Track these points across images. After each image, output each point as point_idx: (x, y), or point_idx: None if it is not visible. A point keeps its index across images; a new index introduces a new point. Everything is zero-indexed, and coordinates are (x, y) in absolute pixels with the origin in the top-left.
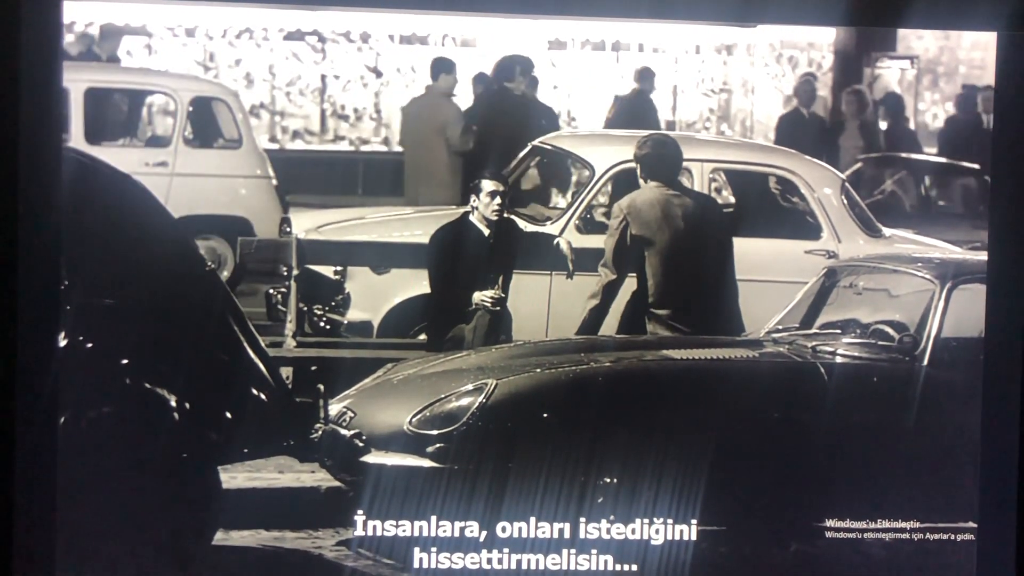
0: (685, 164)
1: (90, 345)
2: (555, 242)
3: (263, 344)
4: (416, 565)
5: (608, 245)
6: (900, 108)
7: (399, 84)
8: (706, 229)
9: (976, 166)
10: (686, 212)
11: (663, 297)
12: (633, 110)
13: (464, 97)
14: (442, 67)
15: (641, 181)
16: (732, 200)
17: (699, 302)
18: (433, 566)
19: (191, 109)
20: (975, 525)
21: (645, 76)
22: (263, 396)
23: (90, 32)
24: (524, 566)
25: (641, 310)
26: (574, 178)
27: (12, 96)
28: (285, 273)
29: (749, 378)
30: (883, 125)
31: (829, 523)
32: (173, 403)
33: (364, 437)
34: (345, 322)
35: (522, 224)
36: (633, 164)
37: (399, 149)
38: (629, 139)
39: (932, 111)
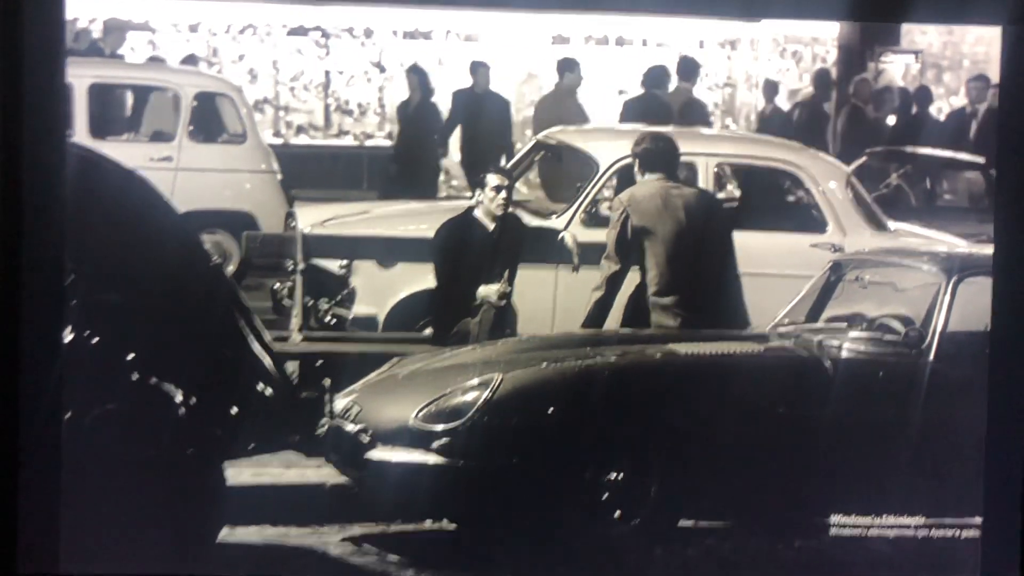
0: (690, 158)
1: (95, 340)
2: (560, 236)
3: (269, 339)
4: (421, 560)
5: (610, 237)
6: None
7: (402, 79)
8: (705, 219)
9: (982, 160)
10: (686, 203)
11: (665, 286)
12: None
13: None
14: (567, 66)
15: (639, 176)
16: (737, 194)
17: (700, 290)
18: (438, 561)
19: (195, 104)
20: (980, 520)
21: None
22: (269, 391)
23: (93, 27)
24: (528, 561)
25: (644, 300)
26: (578, 173)
27: (16, 92)
28: (290, 268)
29: (755, 372)
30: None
31: (834, 518)
32: (178, 398)
33: (370, 432)
34: (351, 317)
35: (527, 218)
36: (631, 160)
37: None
38: (633, 134)
39: (936, 105)
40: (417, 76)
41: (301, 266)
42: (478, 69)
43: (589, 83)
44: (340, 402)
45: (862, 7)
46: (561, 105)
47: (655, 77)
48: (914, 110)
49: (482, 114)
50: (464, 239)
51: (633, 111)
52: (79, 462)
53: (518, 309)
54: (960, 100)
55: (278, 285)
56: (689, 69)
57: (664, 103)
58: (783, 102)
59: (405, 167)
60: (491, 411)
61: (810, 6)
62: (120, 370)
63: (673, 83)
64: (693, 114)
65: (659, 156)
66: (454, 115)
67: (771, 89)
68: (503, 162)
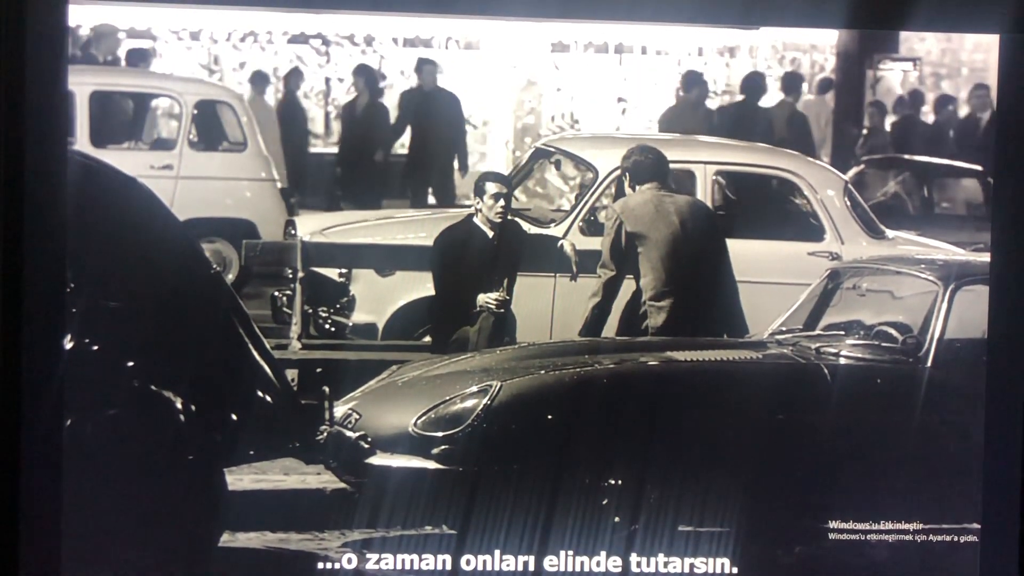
0: (689, 166)
1: (95, 348)
2: (559, 244)
3: (268, 346)
4: (422, 567)
5: (604, 245)
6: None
7: (403, 87)
8: (698, 225)
9: (979, 167)
10: (678, 209)
11: (661, 290)
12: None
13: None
14: (693, 80)
15: (629, 190)
16: (736, 202)
17: (696, 292)
18: (439, 568)
19: (196, 112)
20: (978, 526)
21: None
22: (268, 398)
23: (88, 34)
24: (529, 567)
25: (640, 306)
26: (577, 180)
27: (18, 99)
28: (290, 275)
29: (753, 380)
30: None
31: (833, 524)
32: (179, 405)
33: (369, 439)
34: (350, 324)
35: (526, 226)
36: (621, 174)
37: (401, 152)
38: (633, 142)
39: (932, 111)
40: (363, 77)
41: (300, 274)
42: (423, 67)
43: (587, 89)
44: (340, 409)
45: (861, 15)
46: (687, 118)
47: (753, 85)
48: (931, 118)
49: (431, 114)
50: (463, 247)
51: (730, 120)
52: (80, 469)
53: (517, 317)
54: (961, 107)
55: (278, 293)
56: (794, 83)
57: (763, 111)
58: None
59: (350, 171)
60: (490, 418)
61: (809, 14)
62: (121, 377)
63: (771, 93)
64: (797, 127)
65: (648, 168)
66: (403, 117)
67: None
68: (456, 163)
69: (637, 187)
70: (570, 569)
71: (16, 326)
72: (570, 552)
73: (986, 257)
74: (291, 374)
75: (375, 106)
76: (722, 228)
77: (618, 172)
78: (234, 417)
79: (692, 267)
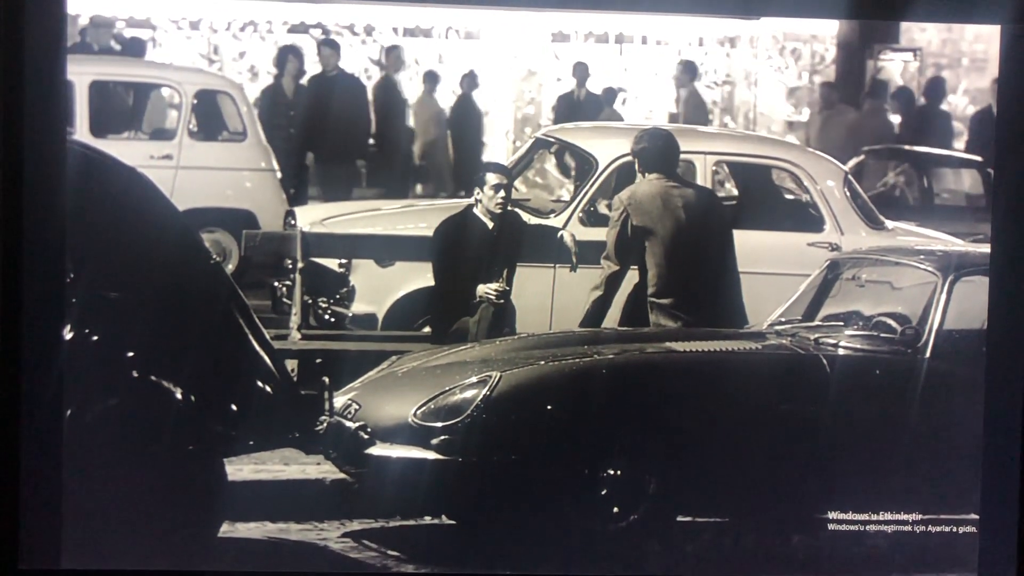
0: (688, 156)
1: (95, 338)
2: (559, 235)
3: (268, 337)
4: (420, 556)
5: (610, 237)
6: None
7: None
8: (706, 219)
9: (979, 158)
10: (686, 203)
11: (664, 287)
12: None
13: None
14: (880, 88)
15: (640, 176)
16: (735, 192)
17: (700, 291)
18: (437, 557)
19: (195, 102)
20: (977, 517)
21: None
22: (268, 388)
23: (87, 22)
24: (527, 557)
25: (643, 301)
26: (577, 171)
27: (17, 89)
28: (290, 266)
29: (752, 370)
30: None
31: (831, 515)
32: (179, 396)
33: (369, 429)
34: (350, 315)
35: (526, 217)
36: (632, 159)
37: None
38: (632, 132)
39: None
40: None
41: (300, 264)
42: (322, 50)
43: (591, 79)
44: (339, 399)
45: (861, 5)
46: (864, 122)
47: (937, 89)
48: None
49: (332, 99)
50: (463, 237)
51: (862, 128)
52: (80, 458)
53: (516, 307)
54: (957, 98)
55: (277, 283)
56: (938, 88)
57: (887, 117)
58: (781, 99)
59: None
60: (489, 408)
61: (810, 4)
62: (120, 367)
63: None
64: (938, 129)
65: (659, 155)
66: (306, 102)
67: None
68: (360, 150)
69: (647, 174)
70: (569, 558)
71: (16, 316)
72: (569, 542)
73: (985, 248)
74: (291, 364)
75: (280, 90)
76: (730, 220)
77: (617, 163)
78: (234, 407)
79: (697, 265)
